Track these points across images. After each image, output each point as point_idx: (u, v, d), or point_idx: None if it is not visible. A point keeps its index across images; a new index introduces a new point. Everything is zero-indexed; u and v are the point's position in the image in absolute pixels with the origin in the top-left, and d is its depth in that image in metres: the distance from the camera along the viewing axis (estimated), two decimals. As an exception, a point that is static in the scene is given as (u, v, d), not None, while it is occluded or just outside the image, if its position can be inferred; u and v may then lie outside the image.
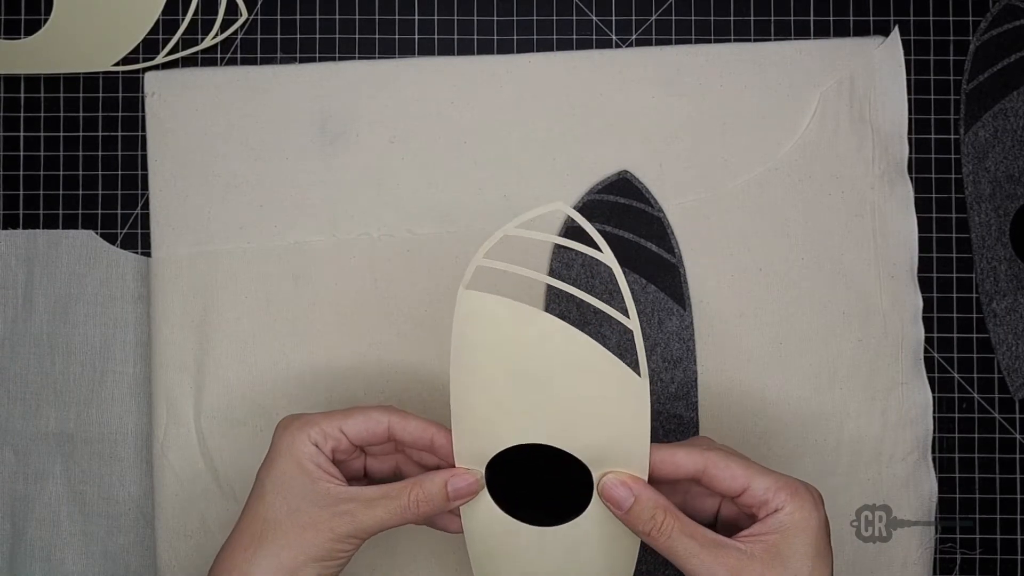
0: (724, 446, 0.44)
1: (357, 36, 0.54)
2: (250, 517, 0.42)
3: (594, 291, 0.51)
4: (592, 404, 0.42)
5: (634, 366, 0.41)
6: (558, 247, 0.52)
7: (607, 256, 0.40)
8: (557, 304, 0.52)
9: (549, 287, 0.52)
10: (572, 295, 0.41)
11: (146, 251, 0.54)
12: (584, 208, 0.52)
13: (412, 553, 0.52)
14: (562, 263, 0.52)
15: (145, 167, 0.53)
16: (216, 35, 0.54)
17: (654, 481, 0.42)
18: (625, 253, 0.52)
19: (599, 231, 0.51)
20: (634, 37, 0.54)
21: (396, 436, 0.43)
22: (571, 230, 0.52)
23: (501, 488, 0.43)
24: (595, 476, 0.43)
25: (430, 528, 0.46)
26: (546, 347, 0.41)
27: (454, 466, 0.43)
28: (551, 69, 0.53)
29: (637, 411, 0.41)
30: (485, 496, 0.43)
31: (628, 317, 0.40)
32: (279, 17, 0.54)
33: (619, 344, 0.51)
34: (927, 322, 0.53)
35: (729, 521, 0.45)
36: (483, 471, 0.43)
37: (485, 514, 0.44)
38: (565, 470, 0.43)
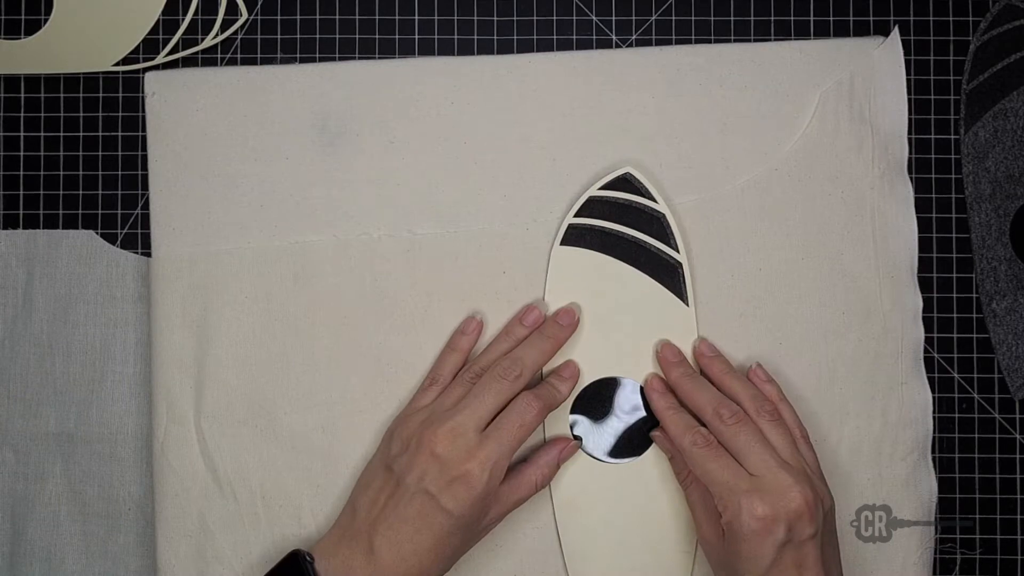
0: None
1: (357, 36, 0.54)
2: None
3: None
4: (650, 334, 0.51)
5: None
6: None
7: (661, 206, 0.51)
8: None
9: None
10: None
11: (146, 251, 0.54)
12: (584, 206, 0.52)
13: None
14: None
15: (145, 167, 0.53)
16: (216, 35, 0.54)
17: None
18: (626, 251, 0.52)
19: (599, 229, 0.52)
20: (634, 37, 0.54)
21: None
22: (572, 228, 0.52)
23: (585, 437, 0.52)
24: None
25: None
26: (619, 288, 0.51)
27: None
28: (551, 69, 0.53)
29: (683, 338, 0.51)
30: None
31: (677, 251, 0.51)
32: (279, 17, 0.54)
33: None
34: (927, 322, 0.53)
35: None
36: (572, 430, 0.52)
37: (569, 464, 0.52)
38: (634, 413, 0.52)
